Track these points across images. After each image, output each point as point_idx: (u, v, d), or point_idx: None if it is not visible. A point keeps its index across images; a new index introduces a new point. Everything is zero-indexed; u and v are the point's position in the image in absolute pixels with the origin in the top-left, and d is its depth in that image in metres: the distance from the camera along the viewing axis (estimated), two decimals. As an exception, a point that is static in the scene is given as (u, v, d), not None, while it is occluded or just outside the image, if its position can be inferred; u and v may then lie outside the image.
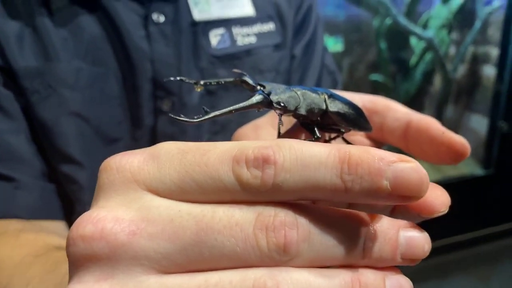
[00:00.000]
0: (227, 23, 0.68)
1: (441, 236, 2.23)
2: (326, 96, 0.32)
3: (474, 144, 2.32)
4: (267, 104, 0.29)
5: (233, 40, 0.68)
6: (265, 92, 0.29)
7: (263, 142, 0.22)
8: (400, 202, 0.22)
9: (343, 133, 0.34)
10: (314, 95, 0.31)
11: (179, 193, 0.23)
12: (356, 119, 0.34)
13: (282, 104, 0.29)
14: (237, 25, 0.69)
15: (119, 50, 0.63)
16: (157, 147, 0.24)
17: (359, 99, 0.38)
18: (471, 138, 2.32)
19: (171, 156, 0.23)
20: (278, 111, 0.29)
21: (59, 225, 0.63)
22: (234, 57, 0.68)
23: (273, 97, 0.29)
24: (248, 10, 0.70)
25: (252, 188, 0.22)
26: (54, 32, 0.60)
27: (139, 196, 0.23)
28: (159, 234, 0.21)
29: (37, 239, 0.52)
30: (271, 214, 0.22)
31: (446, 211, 0.27)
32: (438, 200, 0.26)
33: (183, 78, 0.29)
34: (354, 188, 0.21)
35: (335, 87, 0.78)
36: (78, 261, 0.22)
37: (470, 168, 2.28)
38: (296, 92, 0.30)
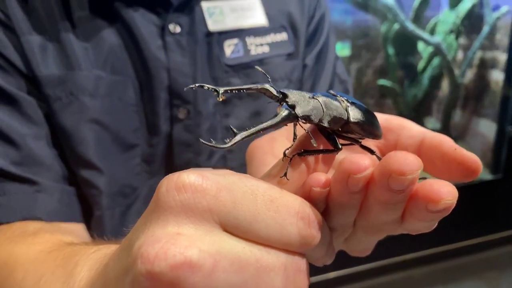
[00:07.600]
0: (241, 33, 0.70)
1: (450, 240, 2.23)
2: (347, 104, 0.32)
3: (483, 149, 2.32)
4: (292, 118, 0.29)
5: (246, 50, 0.70)
6: (289, 104, 0.29)
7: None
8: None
9: (359, 143, 0.34)
10: (336, 103, 0.31)
11: (245, 231, 0.27)
12: (372, 128, 0.34)
13: (307, 118, 0.29)
14: (251, 35, 0.71)
15: (137, 59, 0.65)
16: (226, 177, 0.27)
17: None
18: (479, 142, 2.32)
19: (244, 193, 0.27)
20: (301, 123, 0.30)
21: (77, 228, 0.65)
22: (247, 66, 0.70)
23: (298, 111, 0.29)
24: (261, 20, 0.72)
25: (307, 244, 0.28)
26: (76, 42, 0.63)
27: (210, 229, 0.26)
28: (228, 267, 0.25)
29: (52, 238, 0.53)
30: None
31: (453, 204, 0.27)
32: (444, 188, 0.27)
33: (203, 85, 0.29)
34: None
35: None
36: None
37: (478, 172, 2.27)
38: (319, 102, 0.30)
